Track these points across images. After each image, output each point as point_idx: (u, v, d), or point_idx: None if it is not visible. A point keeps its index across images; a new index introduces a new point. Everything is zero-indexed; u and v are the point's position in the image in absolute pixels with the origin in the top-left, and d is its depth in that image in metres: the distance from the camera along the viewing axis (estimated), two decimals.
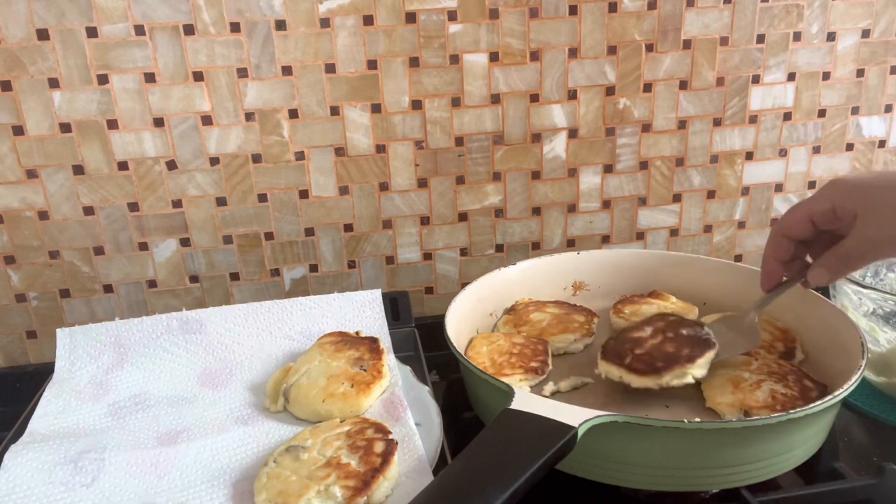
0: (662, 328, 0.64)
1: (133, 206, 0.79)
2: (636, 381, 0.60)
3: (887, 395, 0.69)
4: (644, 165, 0.88)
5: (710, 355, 0.60)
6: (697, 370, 0.59)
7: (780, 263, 0.61)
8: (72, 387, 0.64)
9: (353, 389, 0.60)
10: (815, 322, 0.68)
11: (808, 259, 0.63)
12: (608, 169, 0.88)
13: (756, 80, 0.87)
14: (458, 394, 0.68)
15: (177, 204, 0.80)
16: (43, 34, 0.72)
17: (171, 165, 0.78)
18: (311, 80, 0.78)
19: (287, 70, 0.77)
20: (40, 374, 0.68)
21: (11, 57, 0.72)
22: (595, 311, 0.78)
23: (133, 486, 0.53)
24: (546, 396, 0.63)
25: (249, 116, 0.78)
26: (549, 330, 0.72)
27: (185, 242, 0.82)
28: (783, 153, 0.91)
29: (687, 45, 0.84)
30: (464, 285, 0.75)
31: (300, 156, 0.81)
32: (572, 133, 0.85)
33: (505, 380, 0.58)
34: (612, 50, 0.82)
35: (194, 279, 0.83)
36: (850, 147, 0.92)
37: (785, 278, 0.64)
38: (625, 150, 0.87)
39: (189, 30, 0.74)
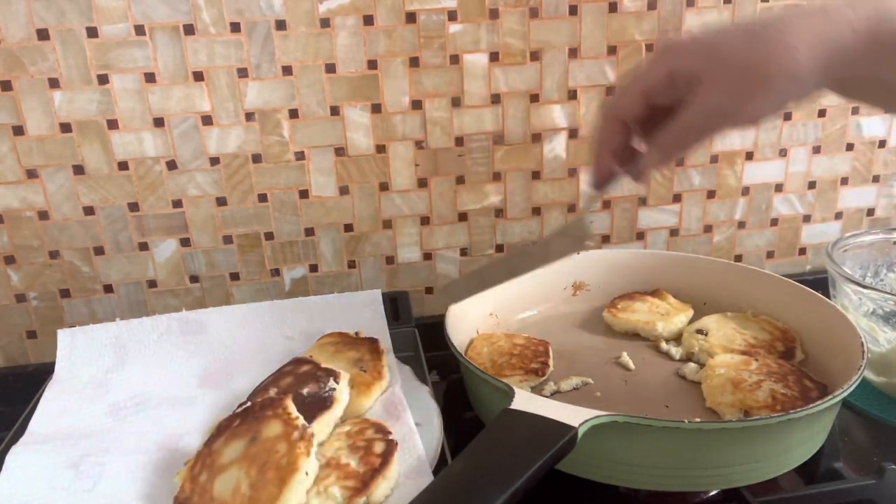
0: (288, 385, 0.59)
1: (133, 206, 0.79)
2: None
3: (887, 395, 0.69)
4: None
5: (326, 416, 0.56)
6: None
7: (612, 154, 0.51)
8: (72, 387, 0.64)
9: (352, 390, 0.60)
10: (815, 322, 0.68)
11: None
12: None
13: None
14: (458, 394, 0.68)
15: (177, 204, 0.80)
16: (43, 34, 0.72)
17: (171, 165, 0.78)
18: (311, 80, 0.78)
19: (287, 70, 0.77)
20: (40, 374, 0.68)
21: (11, 57, 0.72)
22: (595, 311, 0.78)
23: (134, 491, 0.53)
24: (546, 396, 0.63)
25: (249, 116, 0.78)
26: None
27: (185, 242, 0.82)
28: (783, 153, 0.91)
29: None
30: None
31: (300, 156, 0.81)
32: (572, 133, 0.85)
33: (505, 381, 0.59)
34: (612, 50, 0.82)
35: (194, 279, 0.83)
36: (850, 147, 0.92)
37: (616, 171, 0.53)
38: None
39: (189, 30, 0.74)
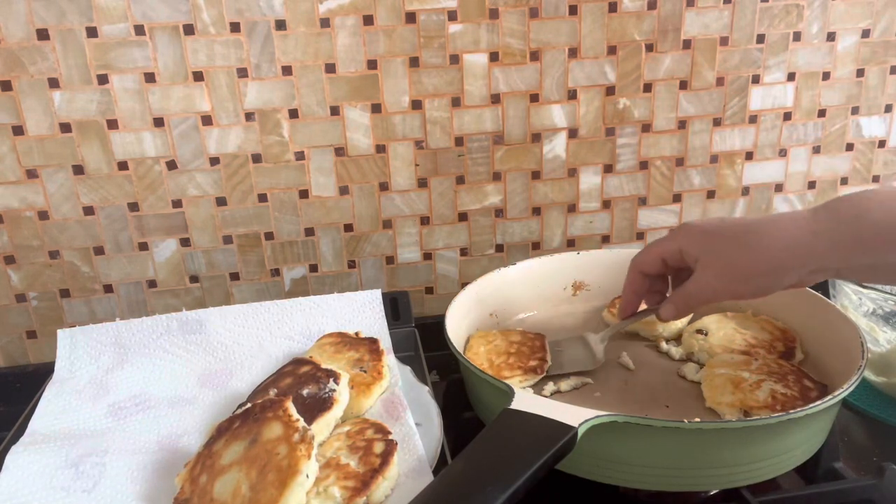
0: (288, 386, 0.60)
1: (133, 206, 0.79)
2: None
3: (887, 395, 0.69)
4: (644, 165, 0.88)
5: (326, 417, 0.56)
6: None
7: (637, 295, 0.64)
8: (72, 387, 0.63)
9: (352, 391, 0.60)
10: (815, 322, 0.68)
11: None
12: (608, 169, 0.88)
13: (756, 80, 0.87)
14: (458, 394, 0.68)
15: (177, 204, 0.80)
16: (43, 34, 0.72)
17: (171, 165, 0.78)
18: (311, 80, 0.78)
19: (287, 70, 0.77)
20: (40, 374, 0.68)
21: (11, 57, 0.72)
22: (595, 311, 0.78)
23: (134, 491, 0.53)
24: (546, 396, 0.63)
25: (249, 116, 0.78)
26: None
27: (185, 242, 0.82)
28: (783, 153, 0.91)
29: (687, 45, 0.84)
30: (464, 285, 0.75)
31: (300, 156, 0.81)
32: (572, 133, 0.85)
33: (507, 381, 0.58)
34: (612, 50, 0.82)
35: (194, 279, 0.83)
36: (850, 147, 0.92)
37: (644, 307, 0.65)
38: (625, 150, 0.87)
39: (189, 30, 0.74)
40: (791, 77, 0.87)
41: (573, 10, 0.80)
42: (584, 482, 0.54)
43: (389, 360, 0.66)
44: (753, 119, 0.88)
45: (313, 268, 0.85)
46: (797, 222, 0.53)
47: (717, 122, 0.88)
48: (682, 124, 0.87)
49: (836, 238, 0.51)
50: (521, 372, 0.65)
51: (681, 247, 0.58)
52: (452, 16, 0.78)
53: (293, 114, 0.79)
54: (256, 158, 0.80)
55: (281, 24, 0.75)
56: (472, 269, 0.89)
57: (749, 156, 0.90)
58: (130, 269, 0.81)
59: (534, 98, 0.83)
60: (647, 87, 0.85)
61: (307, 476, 0.47)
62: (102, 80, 0.74)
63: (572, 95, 0.84)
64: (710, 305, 0.76)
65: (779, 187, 0.92)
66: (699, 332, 0.70)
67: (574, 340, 0.70)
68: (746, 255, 0.54)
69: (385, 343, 0.68)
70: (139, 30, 0.73)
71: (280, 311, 0.71)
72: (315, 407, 0.56)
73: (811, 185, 0.93)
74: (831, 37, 0.86)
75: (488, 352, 0.68)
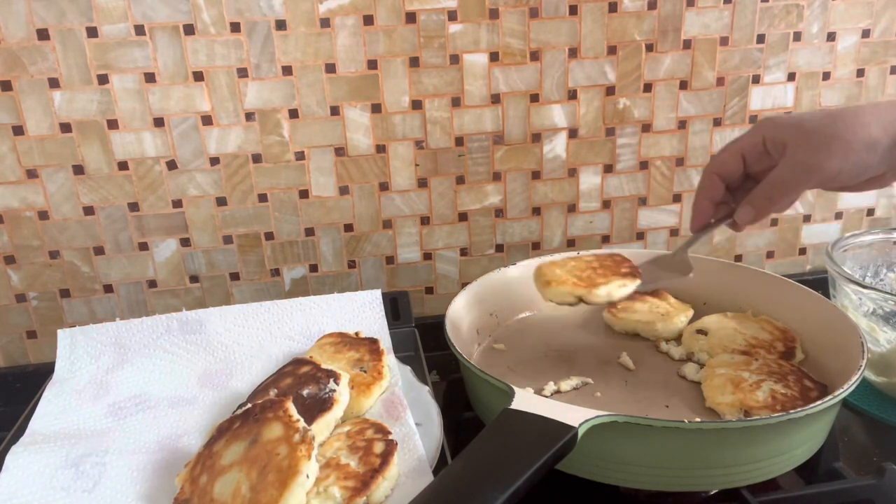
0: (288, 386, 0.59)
1: (133, 206, 0.79)
2: None
3: (887, 395, 0.69)
4: (644, 165, 0.88)
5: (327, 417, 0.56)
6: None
7: (711, 203, 0.61)
8: (72, 387, 0.63)
9: (353, 391, 0.60)
10: (815, 322, 0.68)
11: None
12: (608, 169, 0.88)
13: (756, 80, 0.87)
14: (458, 394, 0.68)
15: (177, 204, 0.80)
16: (43, 34, 0.72)
17: (171, 165, 0.78)
18: (311, 80, 0.78)
19: (287, 70, 0.77)
20: (40, 374, 0.68)
21: (11, 57, 0.72)
22: (595, 311, 0.78)
23: (134, 491, 0.53)
24: (546, 396, 0.63)
25: (249, 116, 0.78)
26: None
27: (185, 242, 0.82)
28: None
29: (687, 45, 0.84)
30: (464, 285, 0.75)
31: (300, 156, 0.81)
32: (572, 133, 0.85)
33: (605, 288, 0.58)
34: (612, 50, 0.82)
35: (194, 279, 0.83)
36: None
37: (713, 220, 0.63)
38: (625, 150, 0.87)
39: (189, 30, 0.74)
40: (791, 77, 0.87)
41: (573, 10, 0.80)
42: (584, 482, 0.54)
43: (389, 360, 0.66)
44: (754, 119, 0.88)
45: (313, 268, 0.86)
46: (889, 107, 0.53)
47: (717, 122, 0.88)
48: (683, 124, 0.87)
49: None
50: (618, 278, 0.62)
51: (765, 136, 0.56)
52: (452, 16, 0.78)
53: (293, 114, 0.79)
54: (256, 158, 0.80)
55: (281, 24, 0.75)
56: (472, 269, 0.89)
57: None
58: (130, 269, 0.81)
59: (534, 98, 0.83)
60: (648, 87, 0.85)
61: (307, 476, 0.47)
62: (102, 80, 0.74)
63: (572, 95, 0.84)
64: (710, 305, 0.76)
65: None
66: (699, 332, 0.70)
67: (654, 259, 0.68)
68: (843, 125, 0.52)
69: (385, 343, 0.68)
70: (139, 30, 0.73)
71: (280, 312, 0.71)
72: (315, 407, 0.56)
73: None
74: (831, 37, 0.86)
75: (570, 271, 0.65)
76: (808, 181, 0.55)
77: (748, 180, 0.60)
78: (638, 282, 0.64)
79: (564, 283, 0.64)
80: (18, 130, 0.74)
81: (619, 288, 0.62)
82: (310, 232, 0.84)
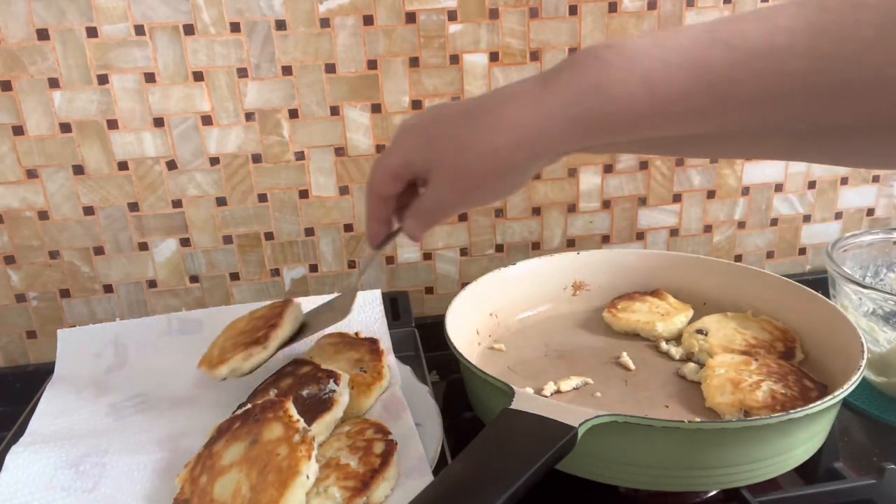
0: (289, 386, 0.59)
1: (133, 206, 0.79)
2: None
3: (887, 395, 0.69)
4: (644, 165, 0.88)
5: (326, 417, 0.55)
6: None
7: (383, 221, 0.56)
8: (72, 387, 0.64)
9: (352, 391, 0.60)
10: (815, 322, 0.68)
11: None
12: (608, 169, 0.88)
13: None
14: (458, 394, 0.68)
15: (177, 204, 0.80)
16: (43, 34, 0.72)
17: (171, 165, 0.78)
18: (311, 80, 0.78)
19: (287, 70, 0.77)
20: (40, 374, 0.68)
21: (11, 57, 0.72)
22: (595, 311, 0.78)
23: (134, 491, 0.53)
24: (546, 396, 0.63)
25: (249, 116, 0.78)
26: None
27: (185, 242, 0.82)
28: None
29: None
30: (464, 285, 0.75)
31: (300, 156, 0.81)
32: None
33: (225, 367, 0.56)
34: None
35: (194, 279, 0.83)
36: None
37: (388, 234, 0.58)
38: None
39: (189, 30, 0.74)
40: None
41: (573, 10, 0.80)
42: (584, 482, 0.54)
43: (389, 360, 0.66)
44: None
45: (313, 268, 0.86)
46: (526, 103, 0.43)
47: None
48: None
49: (573, 116, 0.41)
50: (241, 349, 0.59)
51: (406, 159, 0.50)
52: (452, 16, 0.78)
53: (293, 114, 0.79)
54: (256, 158, 0.80)
55: (281, 24, 0.75)
56: (472, 269, 0.89)
57: None
58: (130, 269, 0.81)
59: None
60: None
61: (307, 477, 0.47)
62: (102, 80, 0.74)
63: None
64: (710, 305, 0.76)
65: (779, 187, 0.92)
66: (699, 332, 0.70)
67: (329, 303, 0.66)
68: (473, 160, 0.46)
69: (385, 343, 0.68)
70: (139, 30, 0.73)
71: None
72: (315, 407, 0.56)
73: (811, 185, 0.93)
74: None
75: (228, 338, 0.63)
76: (457, 210, 0.53)
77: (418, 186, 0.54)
78: (265, 352, 0.59)
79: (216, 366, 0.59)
80: (18, 130, 0.74)
81: (243, 361, 0.59)
82: (310, 232, 0.84)
